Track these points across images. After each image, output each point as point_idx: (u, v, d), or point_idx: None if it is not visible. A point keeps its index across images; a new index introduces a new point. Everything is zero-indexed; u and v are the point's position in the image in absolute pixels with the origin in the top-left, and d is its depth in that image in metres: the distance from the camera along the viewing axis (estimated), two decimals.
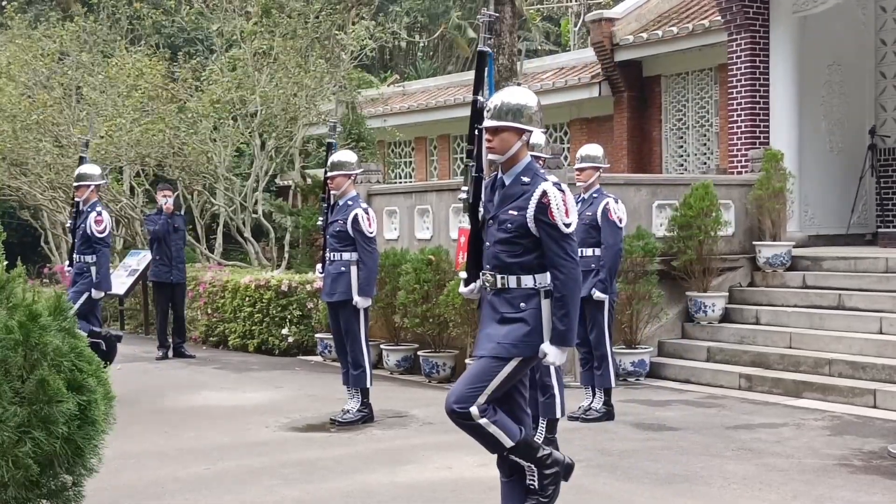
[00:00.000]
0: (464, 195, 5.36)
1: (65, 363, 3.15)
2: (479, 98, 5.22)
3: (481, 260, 5.11)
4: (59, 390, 3.05)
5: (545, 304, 4.92)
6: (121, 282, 16.20)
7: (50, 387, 3.02)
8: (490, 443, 4.95)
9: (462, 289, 5.25)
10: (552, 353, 4.90)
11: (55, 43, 18.88)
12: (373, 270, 8.69)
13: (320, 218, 9.16)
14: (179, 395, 10.45)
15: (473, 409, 4.81)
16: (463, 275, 5.22)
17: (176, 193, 14.51)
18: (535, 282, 4.94)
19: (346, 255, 8.63)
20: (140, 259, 16.06)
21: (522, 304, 4.93)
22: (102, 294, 10.33)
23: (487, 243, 5.06)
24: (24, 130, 17.76)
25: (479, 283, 5.13)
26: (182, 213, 14.44)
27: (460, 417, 4.86)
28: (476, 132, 5.20)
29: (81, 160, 10.99)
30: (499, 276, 4.99)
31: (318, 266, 9.15)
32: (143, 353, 13.80)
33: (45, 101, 17.58)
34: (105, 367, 3.40)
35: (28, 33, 19.49)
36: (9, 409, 2.97)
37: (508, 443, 4.92)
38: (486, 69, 5.30)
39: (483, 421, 4.84)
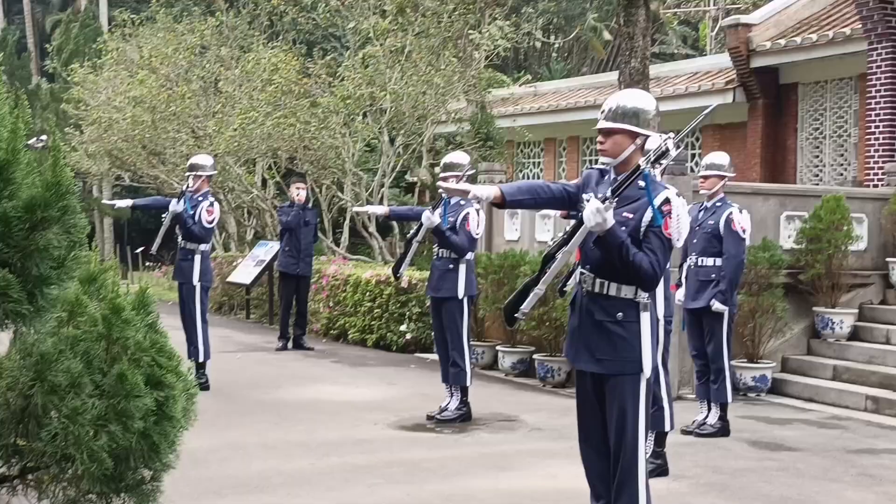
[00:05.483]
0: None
1: (145, 358, 3.19)
2: None
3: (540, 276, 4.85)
4: (137, 385, 3.08)
5: (644, 319, 4.71)
6: (248, 271, 16.59)
7: (128, 381, 3.06)
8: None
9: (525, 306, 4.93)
10: (592, 204, 4.50)
11: (196, 37, 19.40)
12: (471, 268, 8.83)
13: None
14: (293, 387, 10.57)
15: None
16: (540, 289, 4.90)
17: (306, 187, 14.70)
18: (635, 292, 4.71)
19: (454, 253, 8.65)
20: (267, 250, 16.40)
21: (620, 315, 4.71)
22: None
23: (590, 244, 4.75)
24: (162, 121, 18.31)
25: (538, 294, 4.86)
26: (311, 206, 14.59)
27: None
28: None
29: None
30: (598, 280, 4.76)
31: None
32: (263, 343, 14.03)
33: (183, 93, 18.05)
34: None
35: (172, 27, 20.07)
36: (87, 402, 3.02)
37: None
38: None
39: None
